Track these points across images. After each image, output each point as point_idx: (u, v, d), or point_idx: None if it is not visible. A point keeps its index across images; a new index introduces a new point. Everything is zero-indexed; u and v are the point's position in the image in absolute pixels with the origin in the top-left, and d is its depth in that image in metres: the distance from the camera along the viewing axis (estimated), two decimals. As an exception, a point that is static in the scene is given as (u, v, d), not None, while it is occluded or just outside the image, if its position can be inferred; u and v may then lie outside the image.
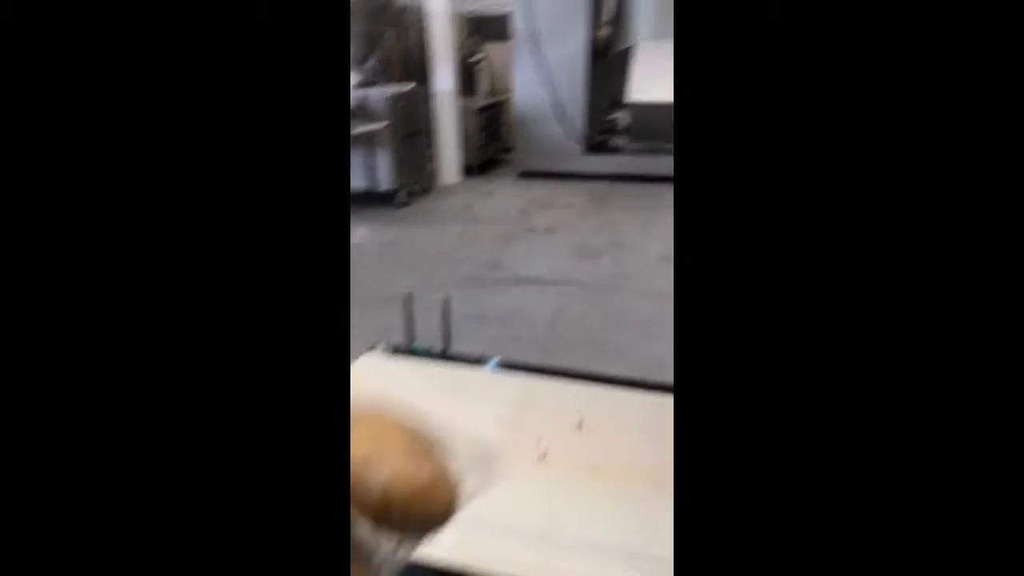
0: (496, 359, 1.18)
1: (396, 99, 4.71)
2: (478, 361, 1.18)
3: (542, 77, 5.42)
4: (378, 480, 0.39)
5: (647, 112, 5.49)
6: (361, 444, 0.39)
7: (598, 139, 5.88)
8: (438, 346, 1.26)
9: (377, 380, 1.10)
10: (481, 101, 5.89)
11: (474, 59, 5.89)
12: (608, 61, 5.54)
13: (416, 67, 5.37)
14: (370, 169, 4.73)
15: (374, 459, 0.40)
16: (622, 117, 5.96)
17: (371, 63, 5.10)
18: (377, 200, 4.82)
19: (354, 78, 4.86)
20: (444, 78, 5.38)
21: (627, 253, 3.84)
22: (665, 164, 5.35)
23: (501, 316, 3.05)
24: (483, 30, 5.97)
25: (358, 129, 4.47)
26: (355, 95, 4.61)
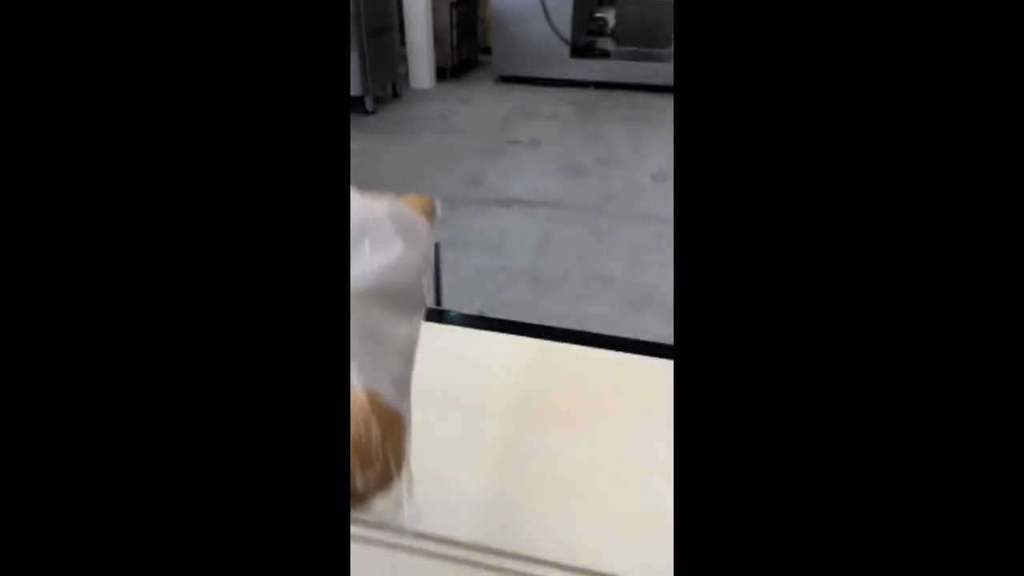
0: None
1: (361, -10, 4.22)
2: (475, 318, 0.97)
3: (521, -32, 4.92)
4: None
5: (638, 9, 5.07)
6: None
7: (584, 41, 5.46)
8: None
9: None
10: (454, -6, 5.37)
11: (446, -54, 5.32)
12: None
13: (382, -46, 4.83)
14: (334, 71, 4.31)
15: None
16: (611, 17, 5.53)
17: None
18: (343, 106, 4.44)
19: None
20: (413, -33, 4.86)
21: (617, 170, 3.61)
22: (657, 71, 5.01)
23: (485, 242, 2.84)
24: (455, -88, 5.36)
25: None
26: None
